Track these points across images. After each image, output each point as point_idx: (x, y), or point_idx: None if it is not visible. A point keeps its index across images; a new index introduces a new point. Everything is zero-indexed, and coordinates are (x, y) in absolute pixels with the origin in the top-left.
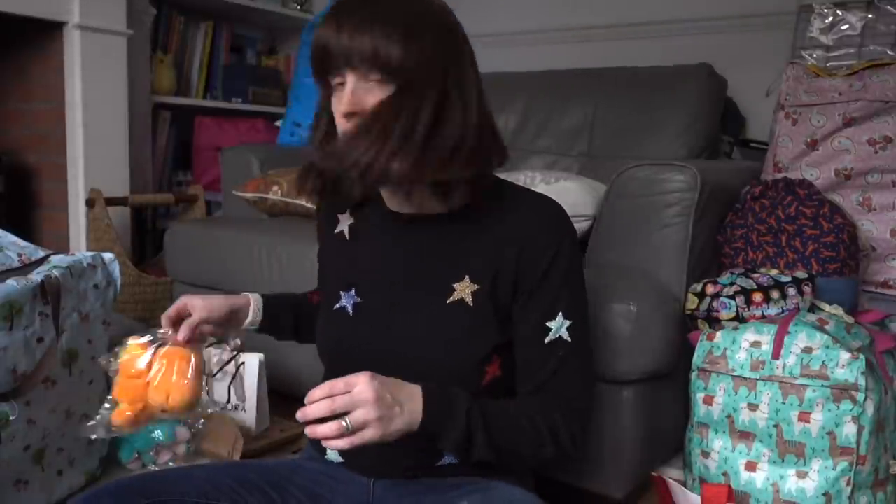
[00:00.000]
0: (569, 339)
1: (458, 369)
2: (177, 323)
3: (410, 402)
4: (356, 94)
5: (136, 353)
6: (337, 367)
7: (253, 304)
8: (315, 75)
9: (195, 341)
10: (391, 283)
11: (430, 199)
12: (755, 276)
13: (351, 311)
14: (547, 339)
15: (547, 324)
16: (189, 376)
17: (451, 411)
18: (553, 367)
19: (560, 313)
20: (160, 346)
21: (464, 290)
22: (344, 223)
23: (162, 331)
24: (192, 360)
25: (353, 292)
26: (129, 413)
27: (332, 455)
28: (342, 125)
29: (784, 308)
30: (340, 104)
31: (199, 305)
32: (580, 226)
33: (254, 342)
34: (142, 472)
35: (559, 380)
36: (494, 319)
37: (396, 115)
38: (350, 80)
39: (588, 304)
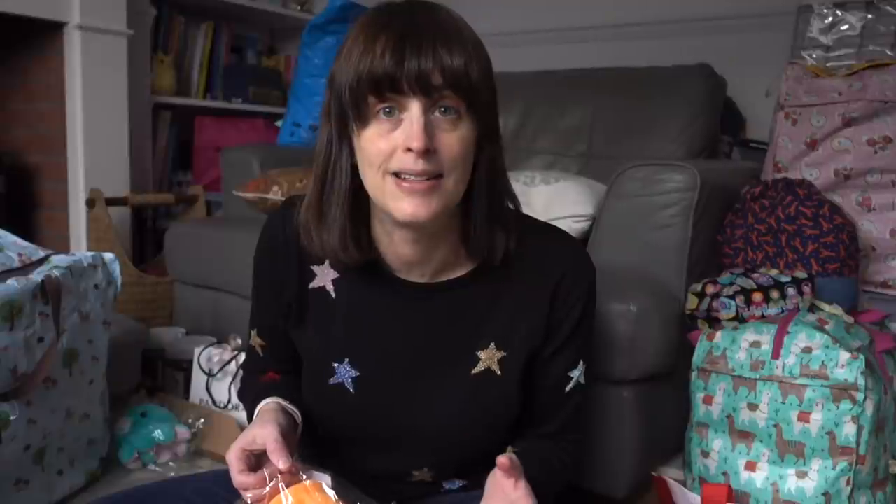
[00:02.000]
0: (583, 382)
1: (486, 440)
2: (254, 468)
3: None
4: (428, 127)
5: None
6: (343, 439)
7: (283, 402)
8: (351, 101)
9: (297, 469)
10: (401, 356)
11: (452, 264)
12: (755, 275)
13: (352, 388)
14: (567, 388)
15: (569, 374)
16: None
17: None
18: (570, 410)
19: (581, 361)
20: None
21: (490, 358)
22: (325, 277)
23: (251, 494)
24: (323, 485)
25: (347, 364)
26: None
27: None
28: (407, 168)
29: (784, 308)
30: (390, 137)
31: (260, 433)
32: (580, 226)
33: None
34: (129, 487)
35: (572, 420)
36: (522, 383)
37: (493, 166)
38: (416, 107)
39: None
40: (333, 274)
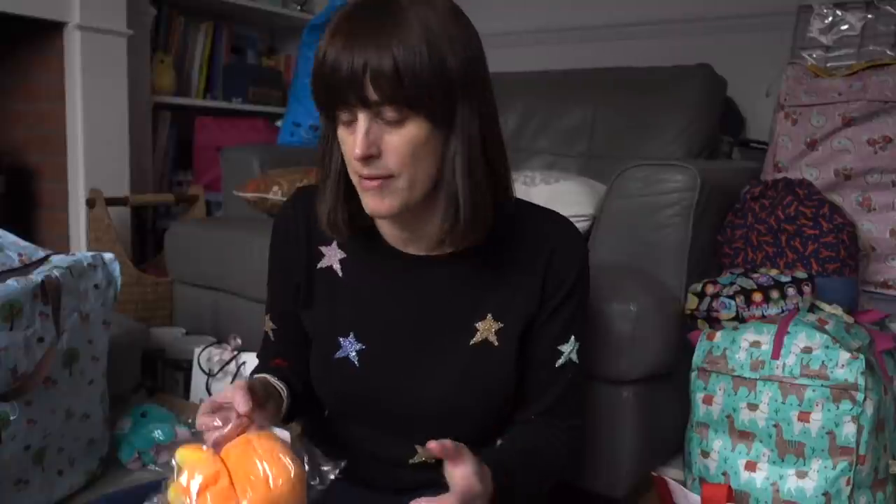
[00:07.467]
0: (576, 361)
1: (486, 414)
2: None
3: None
4: (372, 133)
5: (199, 458)
6: (348, 417)
7: (271, 379)
8: (318, 107)
9: (256, 417)
10: (402, 328)
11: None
12: (755, 276)
13: (357, 362)
14: (558, 363)
15: (559, 348)
16: (281, 452)
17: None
18: (561, 389)
19: (572, 336)
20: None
21: (488, 329)
22: (332, 257)
23: (212, 435)
24: (277, 435)
25: (353, 338)
26: None
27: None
28: (357, 170)
29: (784, 308)
30: (349, 140)
31: (231, 388)
32: (580, 226)
33: (254, 342)
34: (131, 486)
35: (565, 401)
36: (518, 358)
37: (459, 161)
38: (361, 116)
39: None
40: (341, 254)
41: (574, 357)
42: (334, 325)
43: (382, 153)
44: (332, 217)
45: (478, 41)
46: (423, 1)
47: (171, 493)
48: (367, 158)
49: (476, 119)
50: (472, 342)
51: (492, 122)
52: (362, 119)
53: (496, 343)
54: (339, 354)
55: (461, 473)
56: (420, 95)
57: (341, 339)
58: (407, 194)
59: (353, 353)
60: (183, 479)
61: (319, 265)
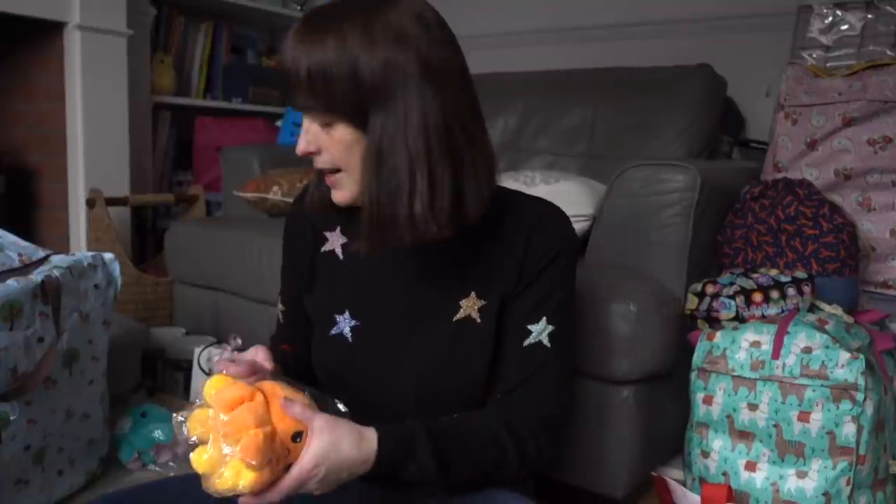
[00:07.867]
0: (548, 345)
1: (467, 389)
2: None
3: (360, 465)
4: (311, 131)
5: (232, 382)
6: (339, 392)
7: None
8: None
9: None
10: (394, 305)
11: None
12: (755, 276)
13: (350, 337)
14: (526, 343)
15: (528, 326)
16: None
17: (405, 457)
18: (527, 372)
19: (544, 317)
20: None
21: (471, 306)
22: (335, 242)
23: (240, 373)
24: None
25: (348, 315)
26: (261, 436)
27: None
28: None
29: (784, 308)
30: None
31: (255, 348)
32: (580, 226)
33: (254, 342)
34: (132, 485)
35: (531, 386)
36: (499, 337)
37: (384, 166)
38: (304, 115)
39: (576, 309)
40: (343, 238)
41: (545, 341)
42: (332, 304)
43: (322, 151)
44: (311, 199)
45: (438, 45)
46: (371, 7)
47: (197, 414)
48: (308, 154)
49: (394, 124)
50: (455, 318)
51: (417, 126)
52: (305, 119)
53: (478, 320)
54: (334, 331)
55: (305, 456)
56: (336, 103)
57: (337, 317)
58: (356, 187)
59: (347, 329)
60: (209, 400)
61: (323, 249)
